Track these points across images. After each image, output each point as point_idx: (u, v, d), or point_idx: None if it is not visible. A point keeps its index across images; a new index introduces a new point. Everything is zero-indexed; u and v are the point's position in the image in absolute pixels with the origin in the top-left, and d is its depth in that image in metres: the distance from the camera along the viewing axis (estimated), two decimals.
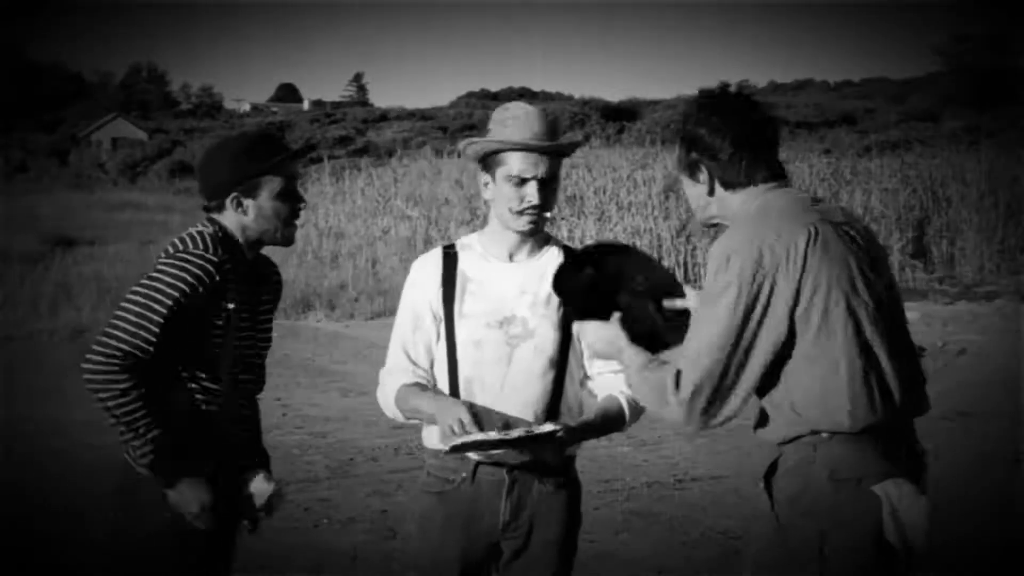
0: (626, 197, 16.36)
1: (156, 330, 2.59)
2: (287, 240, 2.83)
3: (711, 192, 2.54)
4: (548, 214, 2.73)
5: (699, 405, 2.34)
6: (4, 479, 6.06)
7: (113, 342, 2.58)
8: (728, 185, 2.51)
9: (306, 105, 74.31)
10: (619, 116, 42.70)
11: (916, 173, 16.81)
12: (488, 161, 2.73)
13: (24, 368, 9.66)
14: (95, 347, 2.59)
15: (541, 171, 2.68)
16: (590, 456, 6.44)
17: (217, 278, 2.64)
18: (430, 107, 51.99)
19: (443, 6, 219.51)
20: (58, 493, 5.80)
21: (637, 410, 2.77)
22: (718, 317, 2.33)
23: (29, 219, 21.64)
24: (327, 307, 13.24)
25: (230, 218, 2.76)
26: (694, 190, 2.58)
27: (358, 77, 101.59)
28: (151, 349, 2.59)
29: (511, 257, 2.77)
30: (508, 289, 2.74)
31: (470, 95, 63.42)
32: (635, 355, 2.50)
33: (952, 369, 9.38)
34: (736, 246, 2.37)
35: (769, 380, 2.37)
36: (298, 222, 2.85)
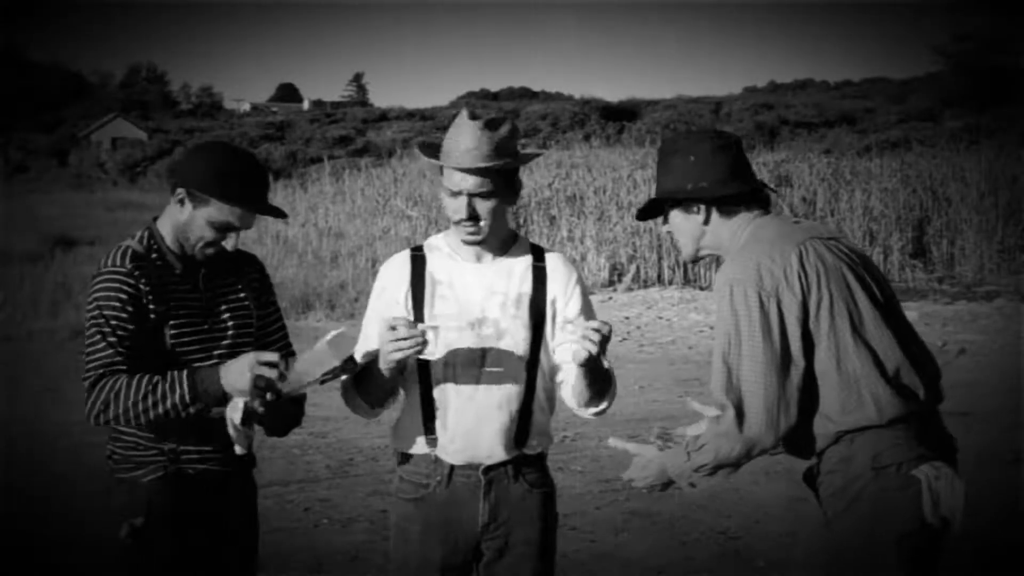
0: (626, 197, 16.35)
1: (112, 345, 2.61)
2: (199, 254, 2.75)
3: (706, 221, 2.60)
4: (483, 224, 2.68)
5: (776, 422, 2.43)
6: (4, 479, 6.05)
7: (87, 374, 2.63)
8: (725, 212, 2.58)
9: (306, 105, 74.21)
10: (619, 116, 42.76)
11: (916, 173, 16.83)
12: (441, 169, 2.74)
13: (24, 368, 9.66)
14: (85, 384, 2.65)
15: (468, 186, 2.65)
16: (591, 456, 6.45)
17: (130, 282, 2.65)
18: (430, 107, 51.98)
19: (443, 6, 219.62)
20: (59, 493, 5.80)
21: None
22: (753, 351, 2.43)
23: (29, 219, 21.63)
24: (327, 307, 13.24)
25: (170, 210, 2.73)
26: (687, 222, 2.65)
27: (358, 77, 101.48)
28: (121, 360, 2.61)
29: (478, 257, 2.76)
30: (477, 290, 2.73)
31: (470, 95, 63.39)
32: (675, 454, 2.57)
33: (952, 369, 9.37)
34: (735, 275, 2.47)
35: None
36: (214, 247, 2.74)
